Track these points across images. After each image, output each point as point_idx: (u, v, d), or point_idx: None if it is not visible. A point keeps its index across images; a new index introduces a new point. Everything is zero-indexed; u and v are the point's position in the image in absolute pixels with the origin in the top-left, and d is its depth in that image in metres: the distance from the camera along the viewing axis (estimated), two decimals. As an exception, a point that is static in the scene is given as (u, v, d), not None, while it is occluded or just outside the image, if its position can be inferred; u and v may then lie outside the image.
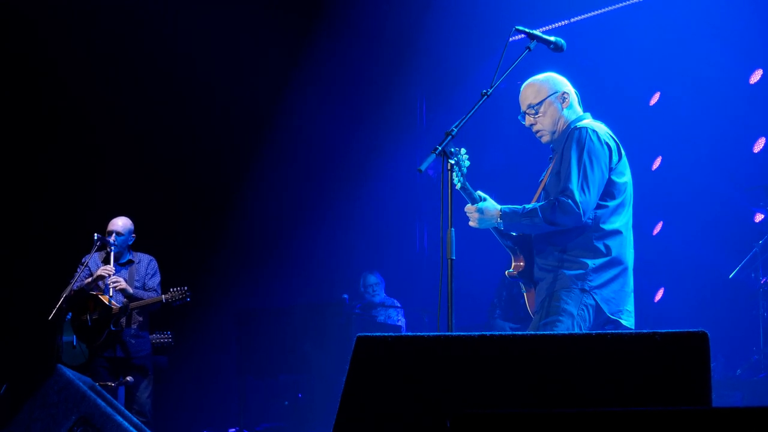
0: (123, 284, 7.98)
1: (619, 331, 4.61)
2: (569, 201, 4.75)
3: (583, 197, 4.77)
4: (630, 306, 4.94)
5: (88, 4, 10.12)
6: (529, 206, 4.90)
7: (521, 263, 5.09)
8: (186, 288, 8.06)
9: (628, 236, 5.00)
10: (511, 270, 5.14)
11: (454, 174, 4.59)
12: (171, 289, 8.06)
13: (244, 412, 9.42)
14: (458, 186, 4.65)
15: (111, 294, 7.97)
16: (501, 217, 4.90)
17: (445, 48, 10.64)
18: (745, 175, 8.97)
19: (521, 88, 5.17)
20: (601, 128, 4.99)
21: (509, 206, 4.93)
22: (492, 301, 9.04)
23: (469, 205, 4.94)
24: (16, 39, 10.04)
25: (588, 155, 4.82)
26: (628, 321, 4.90)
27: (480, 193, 4.94)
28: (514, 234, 5.11)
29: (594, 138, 4.87)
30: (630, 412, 2.26)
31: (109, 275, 7.97)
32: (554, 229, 4.87)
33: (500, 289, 8.94)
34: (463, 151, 4.62)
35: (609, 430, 2.21)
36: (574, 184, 4.77)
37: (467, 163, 4.64)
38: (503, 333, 3.15)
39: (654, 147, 9.62)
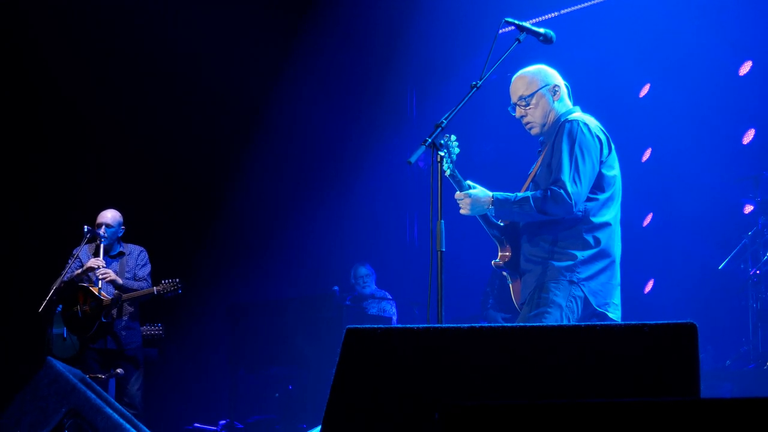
0: (112, 275, 7.97)
1: (608, 322, 4.63)
2: (561, 191, 4.77)
3: (575, 188, 4.78)
4: (617, 299, 4.96)
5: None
6: (521, 194, 4.91)
7: (507, 253, 5.10)
8: (177, 280, 8.05)
9: (617, 229, 5.01)
10: (497, 260, 5.14)
11: (444, 161, 4.60)
12: (163, 281, 8.06)
13: (234, 404, 9.42)
14: (447, 173, 4.65)
15: (101, 285, 7.96)
16: (492, 203, 4.91)
17: (434, 40, 10.64)
18: (735, 166, 8.98)
19: (512, 80, 5.17)
20: (592, 121, 5.00)
21: (501, 193, 4.93)
22: (485, 291, 9.04)
23: (459, 192, 4.94)
24: (8, 34, 10.02)
25: (579, 148, 4.84)
26: (614, 314, 4.91)
27: (470, 182, 4.95)
28: (501, 224, 5.12)
29: (585, 131, 4.89)
30: (618, 403, 2.27)
31: (99, 267, 7.95)
32: (544, 219, 4.88)
33: (493, 279, 8.95)
34: (453, 137, 4.63)
35: (598, 421, 2.22)
36: (566, 176, 4.78)
37: (457, 150, 4.64)
38: (492, 325, 3.16)
39: (643, 139, 9.64)
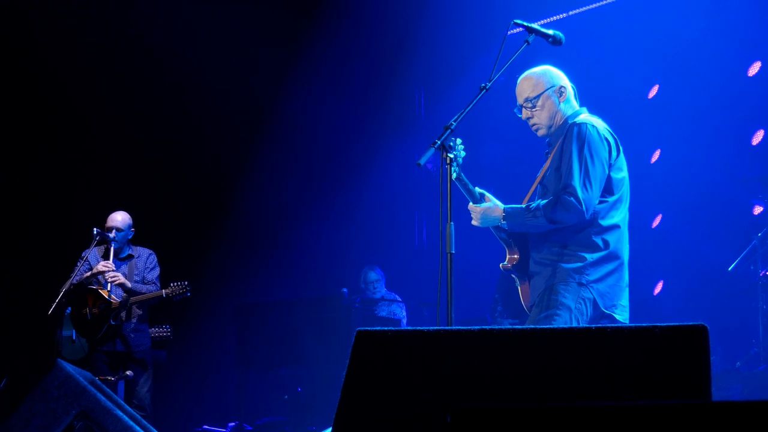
0: (121, 279, 7.98)
1: (619, 324, 4.62)
2: (572, 199, 4.75)
3: (586, 194, 4.76)
4: (624, 301, 4.95)
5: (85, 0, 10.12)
6: (533, 205, 4.89)
7: (516, 256, 5.09)
8: (186, 283, 8.06)
9: (625, 231, 5.00)
10: (505, 263, 5.14)
11: (452, 164, 4.60)
12: (171, 284, 8.07)
13: (243, 406, 9.42)
14: (454, 176, 4.65)
15: (110, 288, 7.97)
16: (504, 217, 4.92)
17: (443, 41, 10.64)
18: (744, 167, 8.96)
19: (518, 81, 5.16)
20: (599, 123, 4.99)
21: (512, 206, 4.94)
22: (494, 296, 9.03)
23: (472, 204, 4.97)
24: (13, 36, 10.04)
25: (589, 151, 4.82)
26: (622, 316, 4.90)
27: (479, 189, 4.96)
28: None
29: (594, 133, 4.87)
30: (630, 406, 2.26)
31: (108, 270, 7.96)
32: (556, 228, 4.87)
33: (501, 283, 8.93)
34: (458, 141, 4.62)
35: (608, 424, 2.21)
36: (577, 181, 4.77)
37: (463, 153, 4.64)
38: (503, 327, 3.15)
39: (653, 140, 9.62)
